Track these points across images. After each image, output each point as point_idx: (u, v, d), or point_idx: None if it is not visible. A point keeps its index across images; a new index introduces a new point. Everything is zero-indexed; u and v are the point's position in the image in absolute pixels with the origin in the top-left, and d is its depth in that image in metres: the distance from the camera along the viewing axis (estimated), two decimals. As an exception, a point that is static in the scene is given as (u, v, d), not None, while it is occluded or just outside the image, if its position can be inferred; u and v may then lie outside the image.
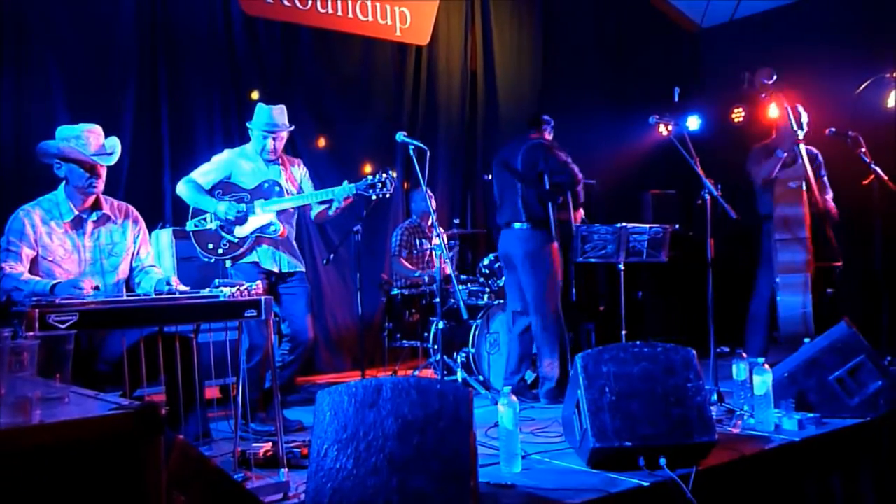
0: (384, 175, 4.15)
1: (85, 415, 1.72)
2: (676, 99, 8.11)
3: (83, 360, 3.29)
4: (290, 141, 4.53)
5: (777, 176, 5.51)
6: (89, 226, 3.63)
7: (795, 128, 5.43)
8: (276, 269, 4.30)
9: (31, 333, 2.49)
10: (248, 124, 4.41)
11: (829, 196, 5.69)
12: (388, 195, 4.19)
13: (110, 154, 3.61)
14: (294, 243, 4.47)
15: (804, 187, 5.42)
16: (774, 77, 5.43)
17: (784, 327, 5.37)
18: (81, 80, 5.28)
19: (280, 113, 4.36)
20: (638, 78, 8.12)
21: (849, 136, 5.60)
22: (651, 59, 8.22)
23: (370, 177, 4.18)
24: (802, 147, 5.40)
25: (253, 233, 4.26)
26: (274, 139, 4.34)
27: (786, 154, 5.46)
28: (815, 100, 5.74)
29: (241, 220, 4.23)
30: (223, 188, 4.33)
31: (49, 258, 3.50)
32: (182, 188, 4.32)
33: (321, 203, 4.38)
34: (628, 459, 3.14)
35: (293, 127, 4.49)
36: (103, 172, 3.61)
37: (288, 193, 4.31)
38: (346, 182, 4.26)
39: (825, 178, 5.76)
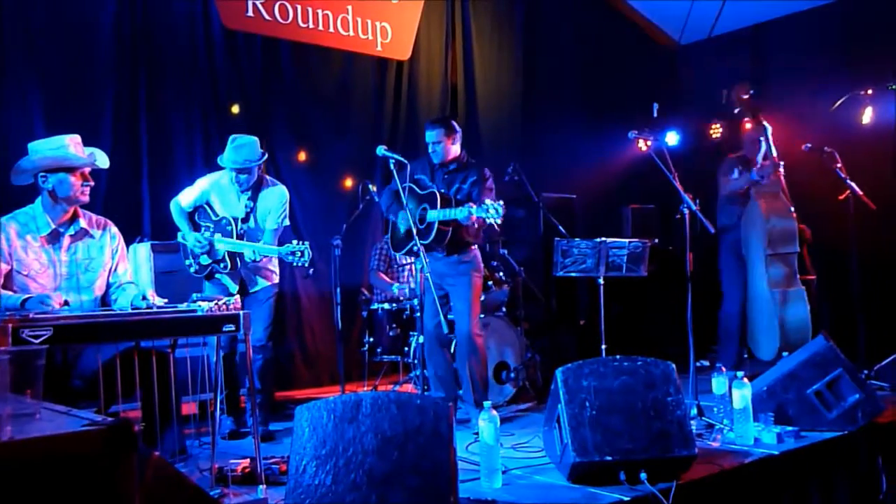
0: (304, 245, 4.15)
1: (56, 431, 1.69)
2: (655, 115, 8.18)
3: (57, 376, 3.24)
4: (270, 154, 4.50)
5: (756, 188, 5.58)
6: (66, 240, 3.58)
7: (775, 156, 5.51)
8: (234, 289, 4.43)
9: (4, 348, 2.45)
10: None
11: None
12: (304, 265, 4.19)
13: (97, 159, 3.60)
14: (267, 263, 4.57)
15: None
16: (751, 92, 5.49)
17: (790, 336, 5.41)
18: (60, 93, 5.22)
19: (238, 148, 4.37)
20: (617, 93, 8.17)
21: (824, 152, 5.67)
22: (630, 74, 8.28)
23: (293, 244, 4.15)
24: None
25: (209, 263, 4.46)
26: (239, 172, 4.39)
27: (764, 180, 5.54)
28: (792, 116, 5.81)
29: (207, 251, 4.43)
30: (200, 212, 4.54)
31: (24, 272, 3.45)
32: (171, 207, 4.56)
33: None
34: (609, 474, 3.13)
35: (264, 157, 4.49)
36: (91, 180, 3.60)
37: (241, 232, 4.41)
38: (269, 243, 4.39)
39: None
